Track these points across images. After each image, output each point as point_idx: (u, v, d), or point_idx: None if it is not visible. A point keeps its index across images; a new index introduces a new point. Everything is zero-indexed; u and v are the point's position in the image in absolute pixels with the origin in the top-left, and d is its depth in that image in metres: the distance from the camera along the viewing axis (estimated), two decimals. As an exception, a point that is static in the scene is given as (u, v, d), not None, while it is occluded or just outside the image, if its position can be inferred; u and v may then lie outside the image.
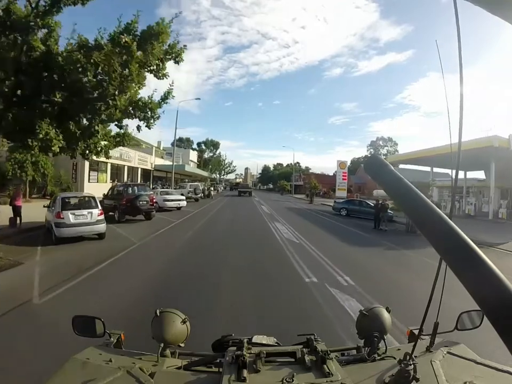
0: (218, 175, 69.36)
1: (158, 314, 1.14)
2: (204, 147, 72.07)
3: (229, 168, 75.49)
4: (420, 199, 0.39)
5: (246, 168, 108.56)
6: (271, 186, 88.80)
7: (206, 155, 63.91)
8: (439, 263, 0.74)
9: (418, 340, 0.99)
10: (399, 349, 1.15)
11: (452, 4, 0.39)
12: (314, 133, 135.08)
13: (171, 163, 28.60)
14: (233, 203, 24.88)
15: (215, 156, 69.41)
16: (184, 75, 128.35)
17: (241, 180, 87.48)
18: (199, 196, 24.22)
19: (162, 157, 39.51)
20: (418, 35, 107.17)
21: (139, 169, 30.11)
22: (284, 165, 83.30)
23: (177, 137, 76.03)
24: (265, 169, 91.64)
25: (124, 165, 26.94)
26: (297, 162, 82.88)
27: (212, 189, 31.91)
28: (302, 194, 49.90)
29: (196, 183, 27.00)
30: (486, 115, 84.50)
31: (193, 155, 60.43)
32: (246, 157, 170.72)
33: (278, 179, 69.49)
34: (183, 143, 64.55)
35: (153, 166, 33.71)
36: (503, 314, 0.29)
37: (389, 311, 1.24)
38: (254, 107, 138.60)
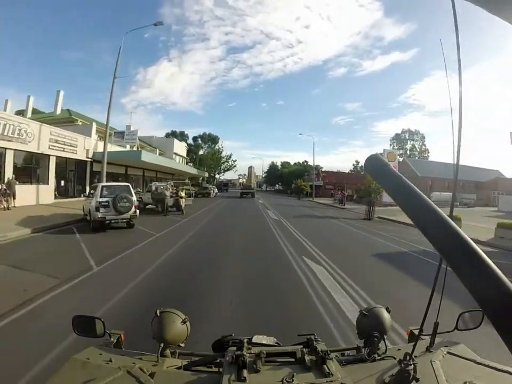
0: (214, 174, 60.08)
1: (158, 314, 1.23)
2: (200, 142, 63.15)
3: (227, 163, 61.67)
4: (420, 198, 0.41)
5: (250, 167, 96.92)
6: (278, 186, 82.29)
7: (203, 151, 59.26)
8: (439, 262, 0.81)
9: (418, 339, 1.08)
10: (399, 349, 1.25)
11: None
12: (318, 133, 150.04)
13: (126, 149, 22.45)
14: (218, 244, 9.73)
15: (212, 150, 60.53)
16: (187, 76, 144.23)
17: (244, 180, 75.43)
18: (125, 215, 11.32)
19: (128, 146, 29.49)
20: (423, 33, 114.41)
21: (51, 158, 19.26)
22: (291, 164, 79.38)
23: (169, 130, 64.08)
24: (273, 167, 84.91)
25: (6, 148, 15.97)
26: (305, 161, 76.96)
27: (183, 194, 19.49)
28: (324, 197, 43.82)
29: (123, 184, 13.43)
30: (488, 115, 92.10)
31: (181, 147, 51.54)
32: (249, 157, 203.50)
33: (288, 178, 63.19)
34: (176, 137, 58.27)
35: (90, 154, 23.50)
36: (503, 314, 0.31)
37: (389, 311, 1.36)
38: (258, 107, 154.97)
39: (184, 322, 1.26)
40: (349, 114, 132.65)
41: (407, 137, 66.78)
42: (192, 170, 44.50)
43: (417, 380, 0.94)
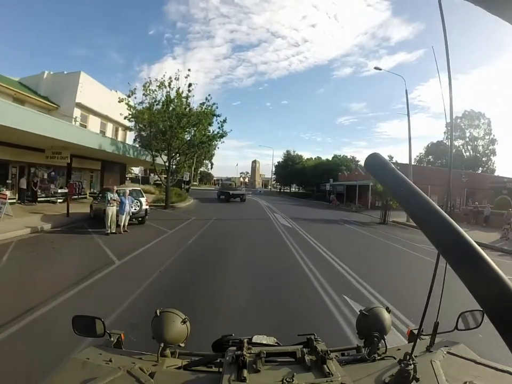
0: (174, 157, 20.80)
1: (158, 314, 1.23)
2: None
3: (202, 126, 19.99)
4: (420, 197, 0.42)
5: (254, 161, 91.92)
6: (293, 187, 60.15)
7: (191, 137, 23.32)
8: (436, 261, 0.79)
9: (418, 339, 1.08)
10: (399, 349, 1.25)
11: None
12: (322, 133, 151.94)
13: None
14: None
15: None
16: (192, 74, 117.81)
17: (246, 178, 68.93)
18: None
19: None
20: (430, 34, 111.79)
21: None
22: (304, 159, 59.68)
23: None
24: (289, 158, 57.06)
25: None
26: (318, 157, 63.77)
27: None
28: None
29: None
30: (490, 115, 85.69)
31: (102, 99, 22.90)
32: (253, 156, 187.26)
33: (313, 175, 45.45)
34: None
35: None
36: (504, 314, 0.30)
37: (388, 311, 1.37)
38: (262, 107, 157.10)
39: (184, 322, 1.26)
40: (353, 114, 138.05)
41: (466, 123, 47.49)
42: (94, 142, 16.63)
43: (417, 380, 0.94)
